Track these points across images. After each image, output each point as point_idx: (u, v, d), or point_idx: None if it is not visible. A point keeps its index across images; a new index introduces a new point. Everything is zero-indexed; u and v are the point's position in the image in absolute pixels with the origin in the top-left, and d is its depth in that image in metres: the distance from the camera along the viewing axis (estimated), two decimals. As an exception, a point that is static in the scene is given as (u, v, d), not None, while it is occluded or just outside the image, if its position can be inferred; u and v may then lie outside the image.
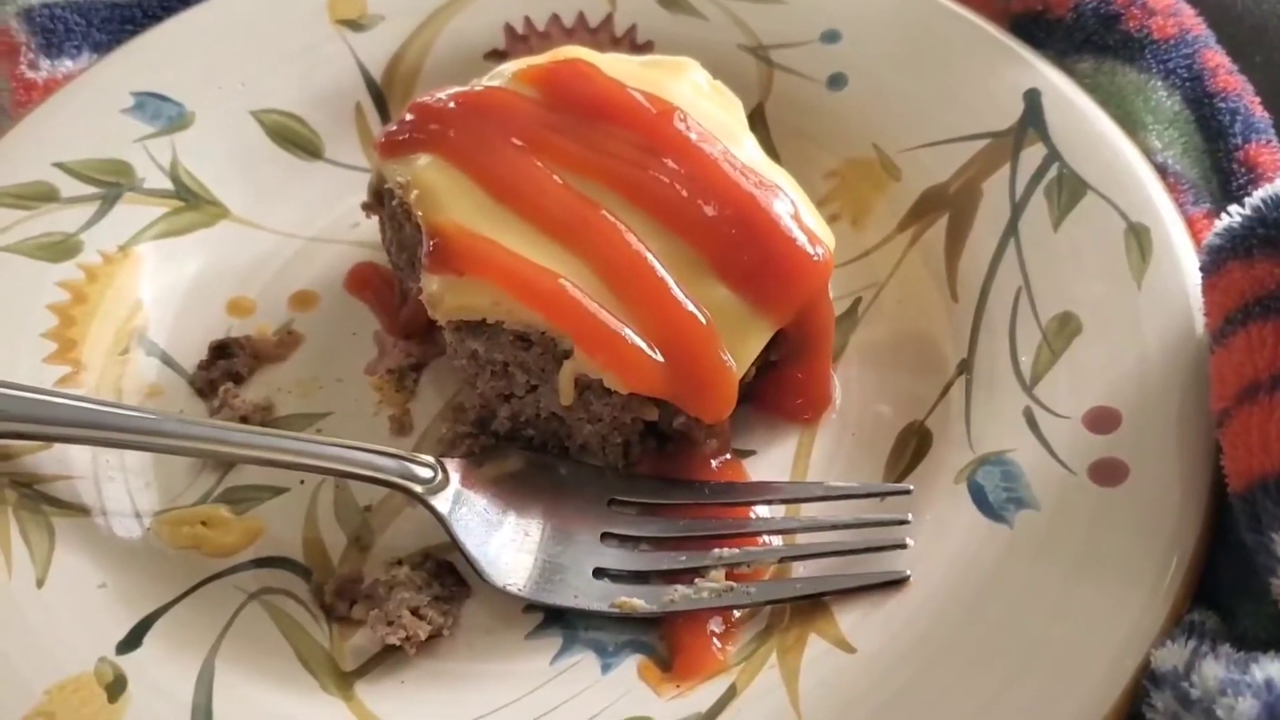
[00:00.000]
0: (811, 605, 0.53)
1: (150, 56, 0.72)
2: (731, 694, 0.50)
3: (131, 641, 0.53)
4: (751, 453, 0.59)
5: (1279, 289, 0.47)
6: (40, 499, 0.57)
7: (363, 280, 0.68)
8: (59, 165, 0.68)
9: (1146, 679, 0.46)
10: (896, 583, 0.52)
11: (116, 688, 0.51)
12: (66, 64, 0.74)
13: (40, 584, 0.54)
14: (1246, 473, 0.47)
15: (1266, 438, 0.46)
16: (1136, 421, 0.53)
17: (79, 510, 0.57)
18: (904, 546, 0.53)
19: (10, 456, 0.58)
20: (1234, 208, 0.50)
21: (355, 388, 0.64)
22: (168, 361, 0.64)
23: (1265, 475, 0.46)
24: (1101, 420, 0.54)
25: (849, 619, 0.51)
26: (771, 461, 0.59)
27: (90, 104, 0.71)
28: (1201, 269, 0.52)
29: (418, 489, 0.55)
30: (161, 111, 0.70)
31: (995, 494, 0.53)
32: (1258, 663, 0.43)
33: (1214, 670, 0.43)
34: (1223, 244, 0.50)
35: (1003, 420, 0.56)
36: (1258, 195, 0.49)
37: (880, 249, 0.65)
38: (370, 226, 0.67)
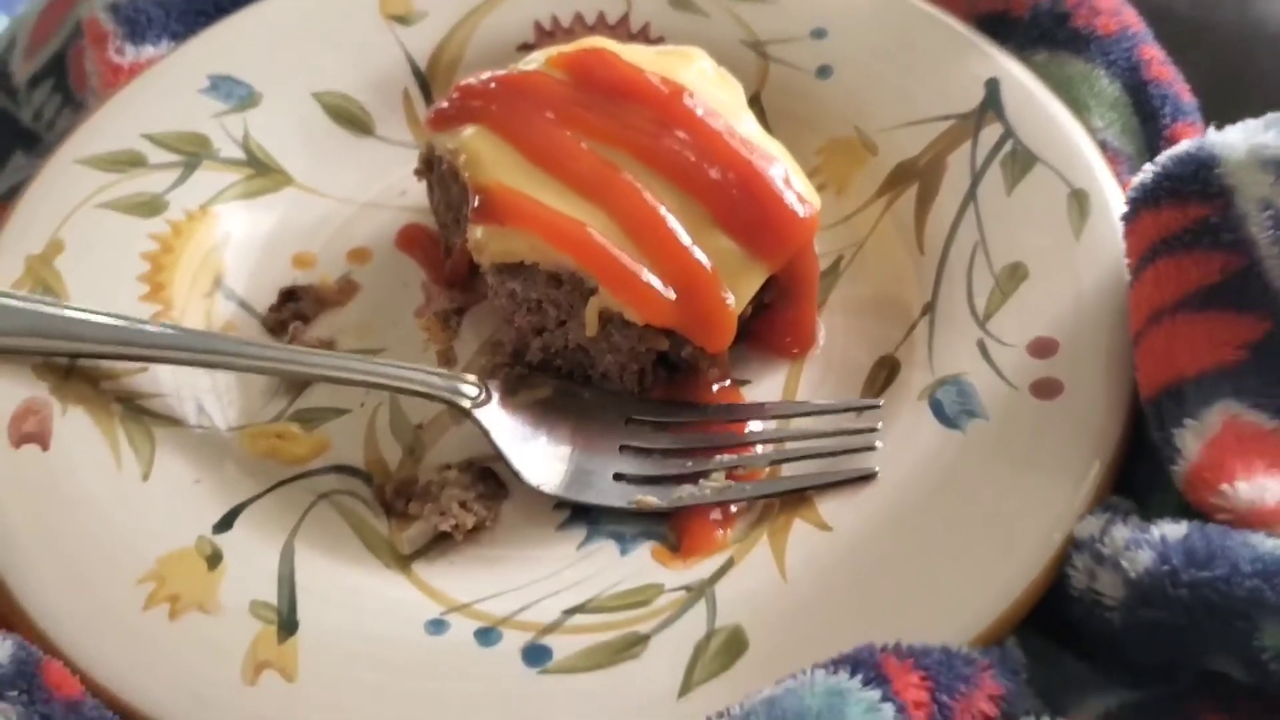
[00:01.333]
0: (797, 498, 0.62)
1: (223, 44, 0.82)
2: (729, 564, 0.60)
3: (224, 524, 0.62)
4: (747, 382, 0.69)
5: (1181, 231, 0.57)
6: (141, 412, 0.67)
7: (411, 239, 0.77)
8: (146, 136, 0.77)
9: (1070, 545, 0.56)
10: (867, 477, 0.61)
11: (214, 559, 0.60)
12: (149, 50, 0.83)
13: (145, 478, 0.63)
14: (1153, 381, 0.56)
15: (1169, 351, 0.56)
16: (1071, 348, 0.62)
17: (174, 422, 0.67)
18: (874, 448, 0.62)
19: (115, 376, 0.67)
20: (1147, 165, 0.59)
21: (406, 329, 0.73)
22: (243, 305, 0.74)
23: (1168, 382, 0.56)
24: (1042, 348, 0.63)
25: (828, 507, 0.61)
26: (764, 389, 0.68)
27: (171, 85, 0.80)
28: (1122, 219, 0.62)
29: (465, 403, 0.65)
30: (234, 92, 0.80)
31: (951, 407, 0.63)
32: (1155, 524, 0.53)
33: (1121, 532, 0.53)
34: (1137, 196, 0.59)
35: (959, 349, 0.65)
36: (1165, 154, 0.58)
37: (859, 214, 0.74)
38: (417, 193, 0.77)
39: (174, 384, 0.69)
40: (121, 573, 0.60)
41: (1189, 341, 0.56)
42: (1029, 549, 0.56)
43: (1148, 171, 0.59)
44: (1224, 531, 0.51)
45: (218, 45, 0.82)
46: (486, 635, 0.58)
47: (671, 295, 0.64)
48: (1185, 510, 0.55)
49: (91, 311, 0.67)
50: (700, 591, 0.59)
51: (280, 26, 0.83)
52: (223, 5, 0.86)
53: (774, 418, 0.66)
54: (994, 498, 0.58)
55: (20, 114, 0.92)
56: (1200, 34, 0.81)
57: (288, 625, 0.58)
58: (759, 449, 0.65)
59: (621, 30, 0.83)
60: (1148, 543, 0.51)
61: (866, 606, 0.56)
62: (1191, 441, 0.54)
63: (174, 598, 0.59)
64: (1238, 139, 0.57)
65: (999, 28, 0.79)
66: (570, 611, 0.59)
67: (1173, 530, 0.52)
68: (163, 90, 0.80)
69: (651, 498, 0.63)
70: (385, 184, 0.80)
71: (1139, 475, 0.60)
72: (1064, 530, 0.56)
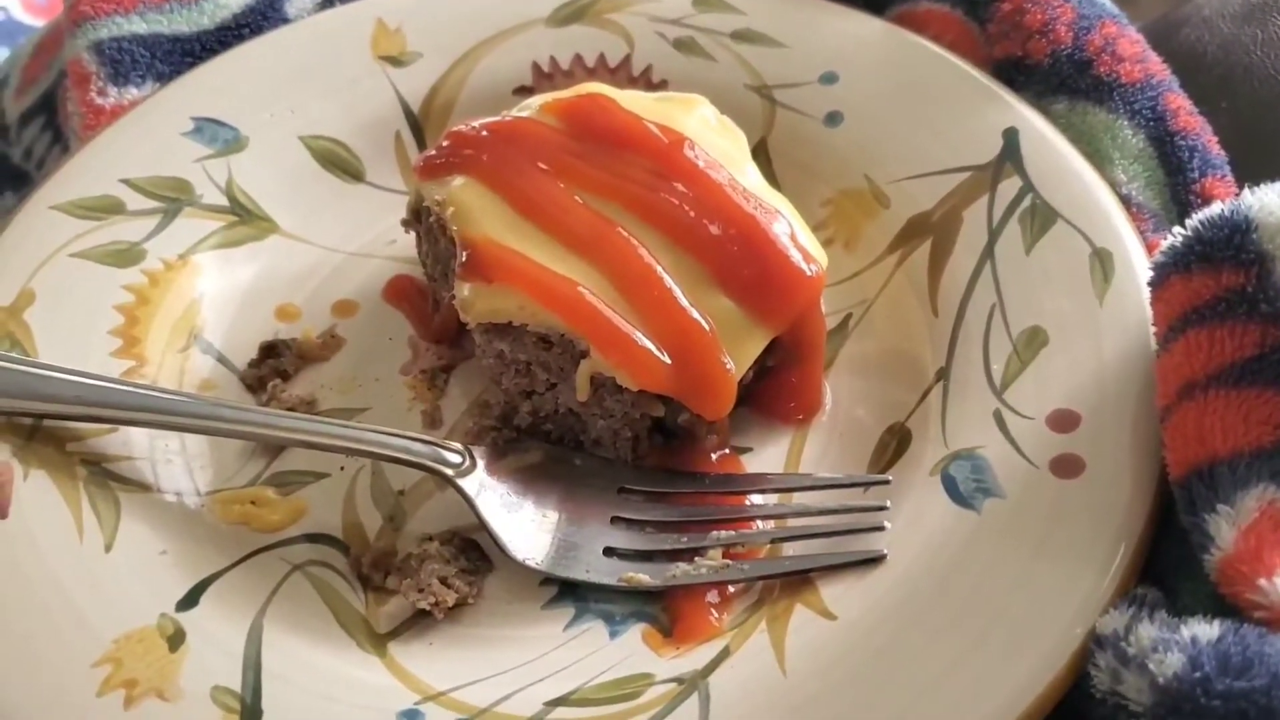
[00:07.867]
0: (799, 580, 0.58)
1: (209, 85, 0.79)
2: (725, 654, 0.56)
3: (189, 601, 0.59)
4: (749, 449, 0.65)
5: (1213, 299, 0.53)
6: (107, 476, 0.63)
7: (399, 291, 0.74)
8: (125, 181, 0.74)
9: (1092, 642, 0.51)
10: (875, 560, 0.58)
11: (176, 640, 0.57)
12: (132, 91, 0.81)
13: (108, 549, 0.60)
14: (1183, 461, 0.53)
15: (1201, 430, 0.52)
16: (1094, 422, 0.59)
17: (142, 487, 0.63)
18: (882, 529, 0.59)
19: (81, 438, 0.64)
20: (1177, 229, 0.56)
21: (391, 386, 0.70)
22: (221, 360, 0.71)
23: (1199, 463, 0.52)
24: (1063, 421, 0.59)
25: (832, 592, 0.57)
26: (767, 458, 0.65)
27: (154, 127, 0.77)
28: (1149, 284, 0.58)
29: (448, 471, 0.62)
30: (218, 135, 0.77)
31: (965, 484, 0.59)
32: (1185, 624, 0.49)
33: (1148, 631, 0.49)
34: (1166, 260, 0.56)
35: (974, 421, 0.61)
36: (1196, 217, 0.55)
37: (870, 270, 0.71)
38: (406, 243, 0.74)
39: (145, 445, 0.65)
40: (76, 654, 0.56)
41: (1223, 419, 0.52)
42: (1048, 644, 0.52)
43: (1178, 235, 0.55)
44: (1262, 635, 0.47)
45: (203, 87, 0.79)
46: (463, 728, 0.55)
47: (667, 359, 0.61)
48: (1217, 601, 0.51)
49: (59, 370, 0.64)
50: (693, 684, 0.55)
51: (268, 68, 0.80)
52: (210, 46, 0.83)
53: (776, 491, 0.63)
54: (1010, 586, 0.54)
55: (10, 152, 0.89)
56: (1229, 83, 0.77)
57: (251, 714, 0.54)
58: (759, 525, 0.61)
59: (622, 74, 0.80)
60: (1177, 644, 0.47)
61: (872, 705, 0.52)
62: (1225, 529, 0.50)
63: (131, 683, 0.55)
64: (1275, 202, 0.53)
65: (1016, 74, 0.76)
66: (553, 703, 0.55)
67: (1205, 631, 0.48)
68: (144, 133, 0.77)
69: (643, 575, 0.59)
70: (375, 232, 0.77)
71: (1167, 559, 0.56)
72: (1086, 624, 0.52)
